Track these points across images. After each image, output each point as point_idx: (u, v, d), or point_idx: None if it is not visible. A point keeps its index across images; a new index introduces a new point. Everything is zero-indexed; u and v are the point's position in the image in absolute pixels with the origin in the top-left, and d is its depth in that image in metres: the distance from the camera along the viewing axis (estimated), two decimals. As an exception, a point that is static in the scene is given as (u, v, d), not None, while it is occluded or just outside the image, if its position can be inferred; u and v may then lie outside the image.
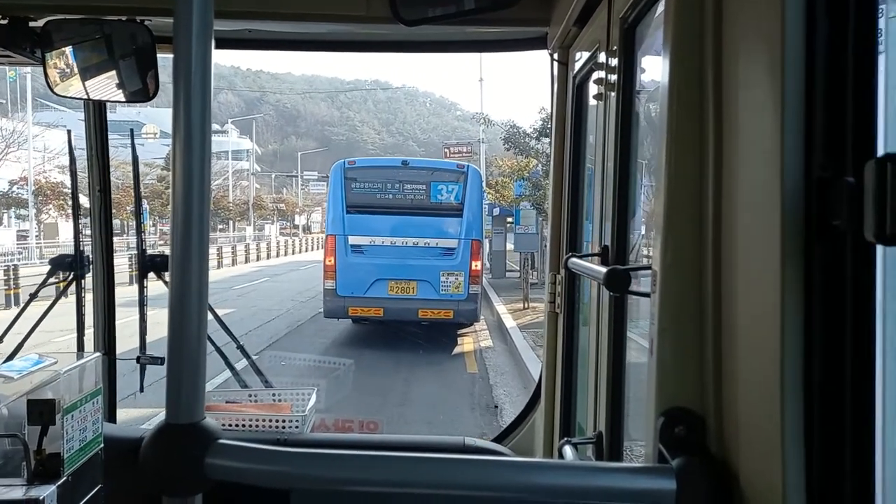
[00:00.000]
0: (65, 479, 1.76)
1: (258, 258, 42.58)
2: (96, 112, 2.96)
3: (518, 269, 24.42)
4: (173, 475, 0.95)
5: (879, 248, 0.79)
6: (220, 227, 64.19)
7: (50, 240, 40.74)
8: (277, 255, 46.97)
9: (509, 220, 26.76)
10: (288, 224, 78.54)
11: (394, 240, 13.50)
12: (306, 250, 54.31)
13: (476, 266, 13.54)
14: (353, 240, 13.49)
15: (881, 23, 0.84)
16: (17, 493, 1.68)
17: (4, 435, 1.80)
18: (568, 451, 1.92)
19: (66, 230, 43.81)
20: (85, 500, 1.87)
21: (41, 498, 1.67)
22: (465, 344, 14.35)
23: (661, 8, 1.33)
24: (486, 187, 20.40)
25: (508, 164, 26.65)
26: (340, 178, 13.68)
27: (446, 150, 38.76)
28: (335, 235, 13.53)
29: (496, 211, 25.82)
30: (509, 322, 15.28)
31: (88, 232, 3.14)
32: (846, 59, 0.80)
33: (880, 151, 0.79)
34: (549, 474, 0.97)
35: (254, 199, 70.17)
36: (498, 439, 2.85)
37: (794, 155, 0.82)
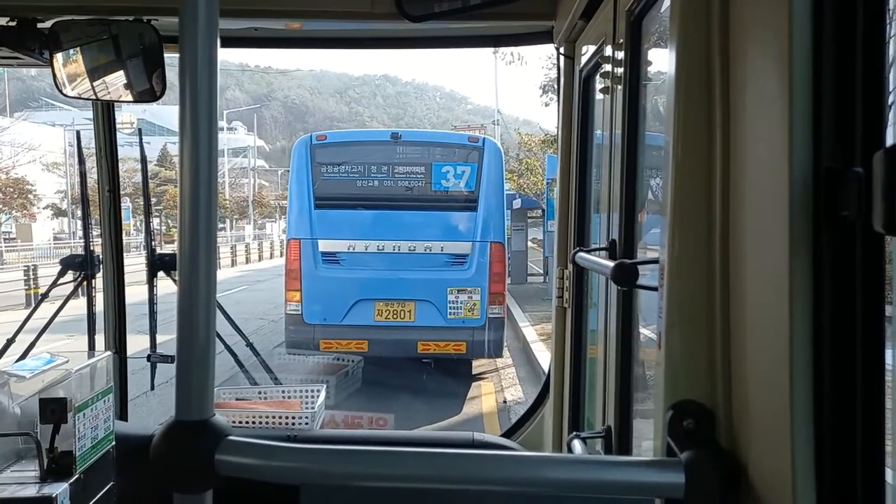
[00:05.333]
0: (77, 476, 1.78)
1: (248, 260, 37.10)
2: (104, 112, 2.98)
3: (541, 272, 21.21)
4: (184, 472, 0.96)
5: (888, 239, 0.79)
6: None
7: (15, 242, 37.82)
8: (271, 257, 41.02)
9: (531, 213, 22.74)
10: (293, 222, 77.22)
11: (381, 244, 9.80)
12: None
13: (498, 280, 9.82)
14: (324, 245, 9.80)
15: (889, 11, 0.84)
16: (31, 490, 1.70)
17: (18, 433, 1.82)
18: (577, 445, 1.93)
19: (39, 232, 41.52)
20: (97, 497, 1.88)
21: (54, 495, 1.68)
22: (484, 395, 9.92)
23: (667, 0, 1.32)
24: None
25: (535, 141, 21.94)
26: (306, 160, 9.91)
27: (456, 134, 35.37)
28: (299, 240, 9.83)
29: (517, 202, 21.31)
30: (544, 356, 10.63)
31: (72, 233, 3.17)
32: (854, 49, 0.79)
33: (889, 141, 0.79)
34: (559, 468, 0.97)
35: (255, 197, 66.31)
36: (507, 434, 2.85)
37: (803, 146, 0.81)
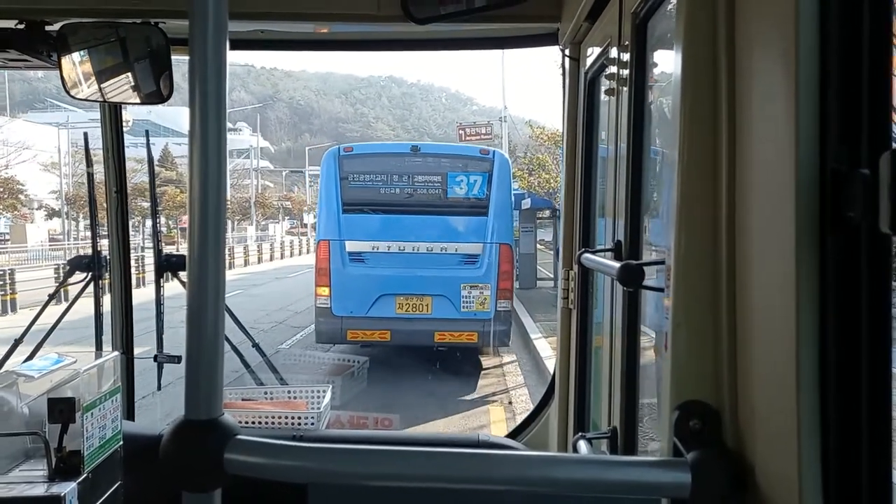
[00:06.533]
0: (85, 475, 1.79)
1: (246, 263, 36.47)
2: (112, 114, 3.00)
3: (551, 276, 20.40)
4: (193, 471, 0.96)
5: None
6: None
7: (8, 244, 36.34)
8: (272, 259, 41.30)
9: (539, 214, 21.80)
10: (297, 223, 74.94)
11: (402, 245, 11.09)
12: (308, 252, 43.49)
13: (506, 277, 11.12)
14: (351, 246, 11.09)
15: None
16: (39, 489, 1.71)
17: (26, 433, 1.83)
18: (582, 446, 1.93)
19: (35, 233, 40.26)
20: (105, 496, 1.89)
21: (62, 494, 1.69)
22: (494, 423, 9.01)
23: (672, 1, 1.33)
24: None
25: (548, 135, 21.00)
26: (334, 169, 11.24)
27: (461, 131, 33.78)
28: (329, 241, 11.14)
29: (527, 202, 20.94)
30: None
31: (66, 234, 3.18)
32: (861, 50, 0.79)
33: (895, 143, 0.79)
34: (565, 468, 0.97)
35: (257, 198, 65.46)
36: (512, 435, 2.86)
37: (809, 147, 0.82)
